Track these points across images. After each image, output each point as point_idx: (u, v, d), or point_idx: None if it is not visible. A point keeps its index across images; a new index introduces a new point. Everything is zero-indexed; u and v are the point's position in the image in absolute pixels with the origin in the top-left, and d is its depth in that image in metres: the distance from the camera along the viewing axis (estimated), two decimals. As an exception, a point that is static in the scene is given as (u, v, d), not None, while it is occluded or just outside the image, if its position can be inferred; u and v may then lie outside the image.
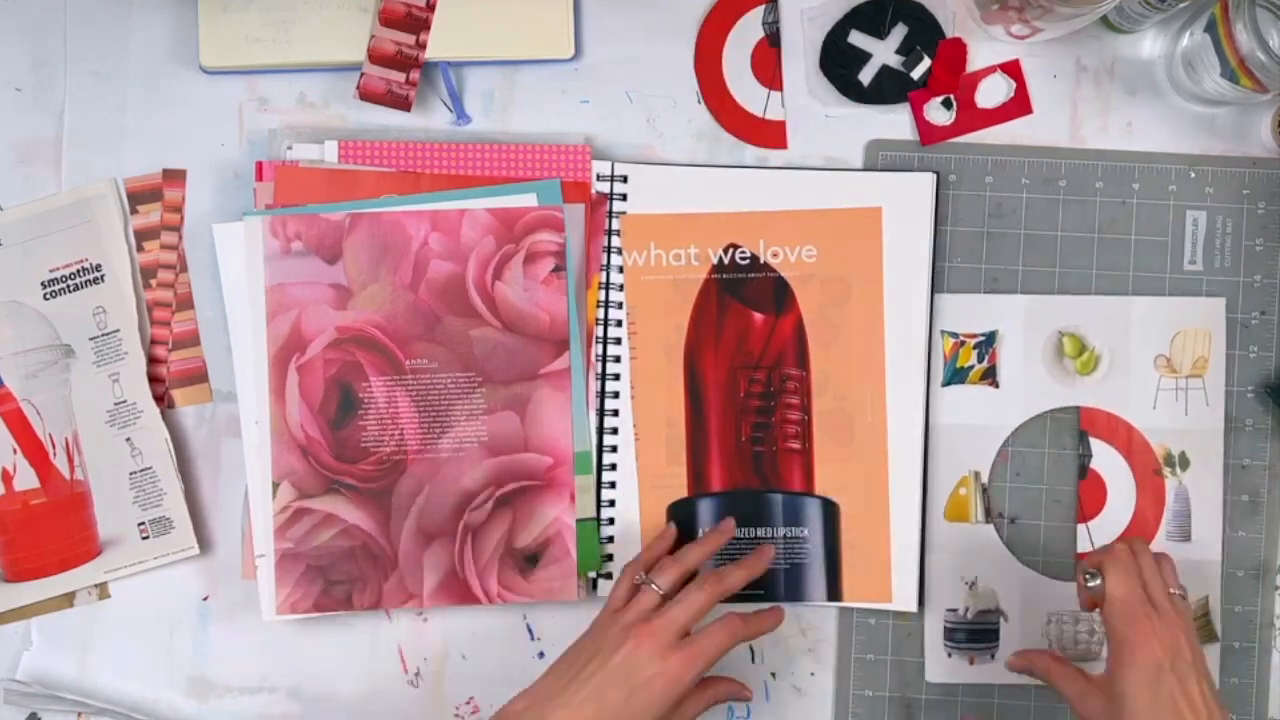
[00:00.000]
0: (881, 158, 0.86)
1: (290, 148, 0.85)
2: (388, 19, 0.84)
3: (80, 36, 0.86)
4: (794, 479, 0.84)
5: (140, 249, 0.86)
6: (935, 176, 0.85)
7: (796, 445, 0.83)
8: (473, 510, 0.83)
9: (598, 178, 0.85)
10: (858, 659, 0.85)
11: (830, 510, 0.83)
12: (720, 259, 0.84)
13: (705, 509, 0.84)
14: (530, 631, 0.86)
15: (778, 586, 0.84)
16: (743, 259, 0.84)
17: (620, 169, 0.85)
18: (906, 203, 0.85)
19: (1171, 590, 0.73)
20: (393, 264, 0.83)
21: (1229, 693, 0.85)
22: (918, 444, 0.84)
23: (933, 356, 0.85)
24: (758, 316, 0.83)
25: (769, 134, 0.86)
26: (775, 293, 0.84)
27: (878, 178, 0.86)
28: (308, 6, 0.85)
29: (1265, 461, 0.86)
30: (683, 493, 0.84)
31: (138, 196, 0.86)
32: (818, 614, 0.85)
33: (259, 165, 0.83)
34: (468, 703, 0.86)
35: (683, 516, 0.84)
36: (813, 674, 0.86)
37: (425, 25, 0.85)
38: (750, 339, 0.83)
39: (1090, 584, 0.74)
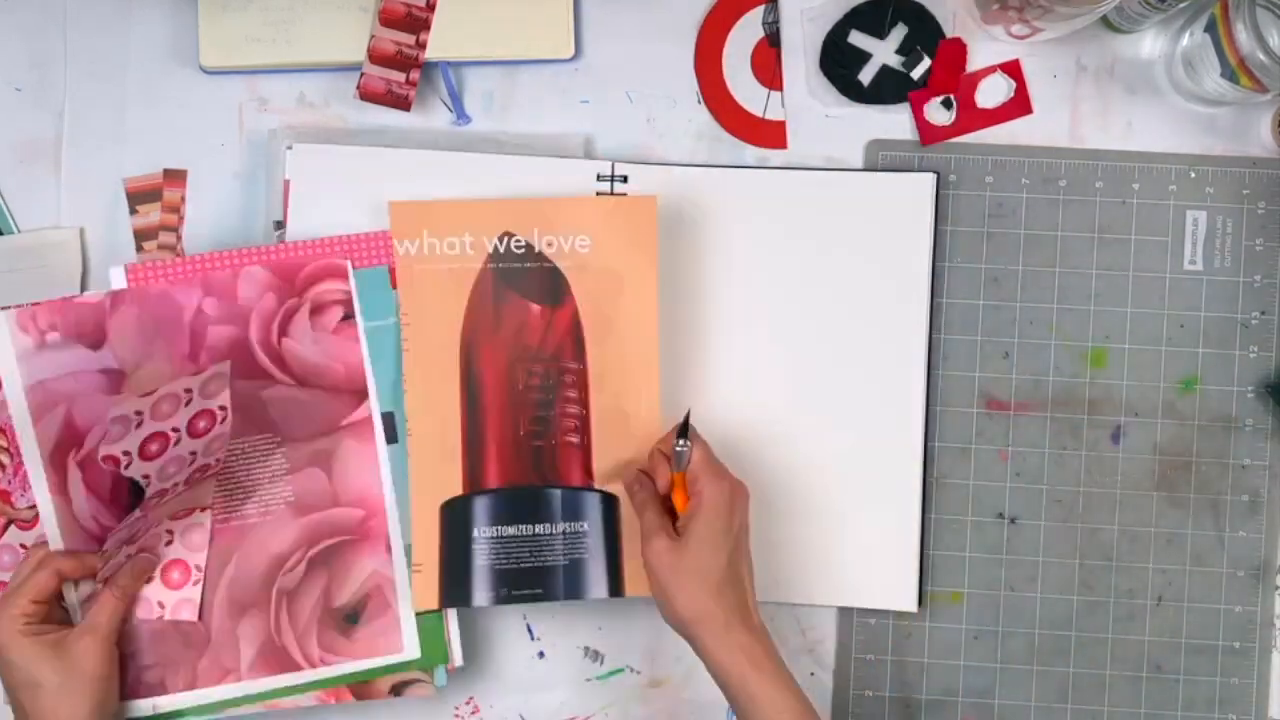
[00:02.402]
0: (881, 158, 0.86)
1: (290, 148, 0.85)
2: (388, 19, 0.84)
3: (80, 36, 0.86)
4: (573, 474, 0.81)
5: (140, 249, 0.86)
6: (935, 176, 0.85)
7: (575, 439, 0.81)
8: (285, 574, 0.80)
9: (598, 177, 0.85)
10: (858, 659, 0.85)
11: (609, 504, 0.82)
12: (496, 248, 0.81)
13: (480, 507, 0.81)
14: (530, 631, 0.86)
15: (557, 582, 0.81)
16: (518, 248, 0.81)
17: (620, 169, 0.85)
18: (906, 203, 0.85)
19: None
20: (167, 338, 0.80)
21: (1229, 693, 0.85)
22: (917, 462, 0.84)
23: (933, 358, 0.85)
24: (535, 308, 0.81)
25: (769, 134, 0.86)
26: (551, 283, 0.81)
27: (878, 178, 0.86)
28: (308, 6, 0.85)
29: (1265, 461, 0.86)
30: (458, 490, 0.81)
31: (137, 196, 0.86)
32: (818, 614, 0.85)
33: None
34: (467, 703, 0.86)
35: (457, 515, 0.81)
36: (813, 674, 0.86)
37: (425, 25, 0.85)
38: (528, 331, 0.81)
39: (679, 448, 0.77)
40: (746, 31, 0.87)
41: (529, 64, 0.86)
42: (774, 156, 0.87)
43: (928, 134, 0.86)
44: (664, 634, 0.85)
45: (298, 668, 0.80)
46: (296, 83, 0.87)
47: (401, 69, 0.84)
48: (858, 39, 0.86)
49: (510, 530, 0.81)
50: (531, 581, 0.80)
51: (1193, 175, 0.86)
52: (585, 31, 0.87)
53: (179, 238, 0.86)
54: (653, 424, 0.81)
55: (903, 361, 0.85)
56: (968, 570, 0.85)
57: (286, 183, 0.85)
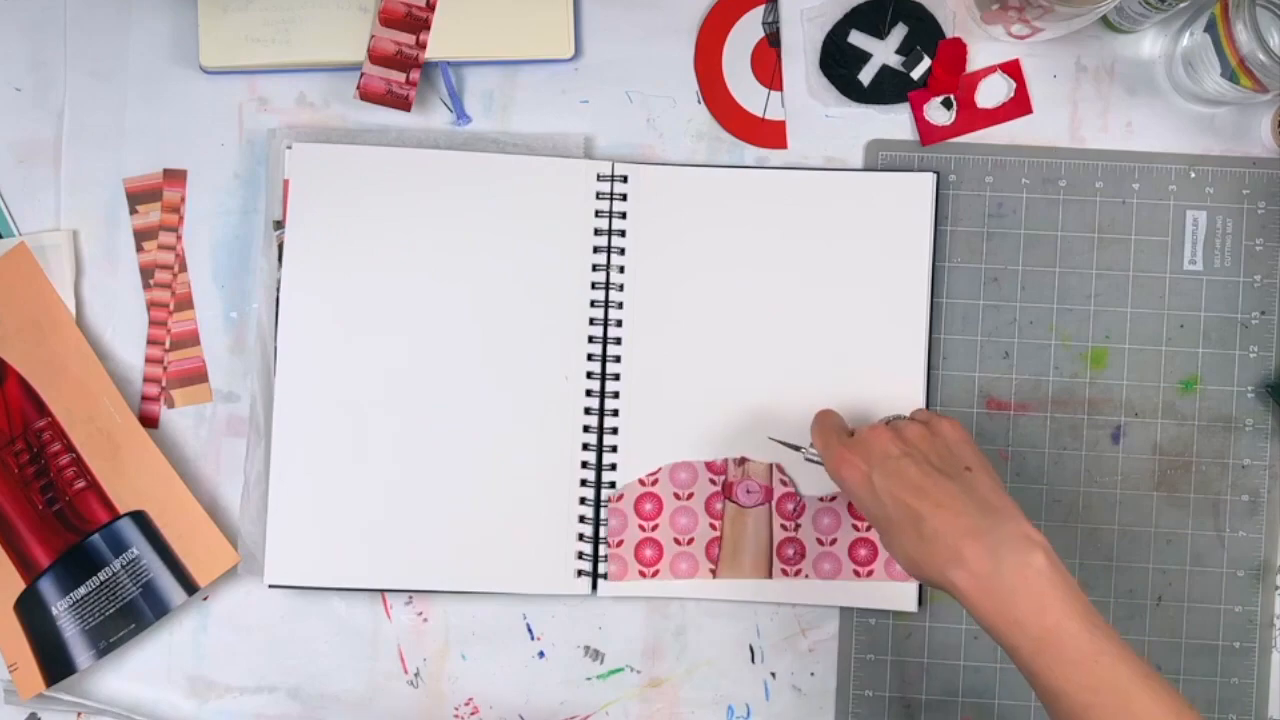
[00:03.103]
0: (881, 158, 0.86)
1: (290, 147, 0.85)
2: (388, 19, 0.84)
3: (80, 36, 0.87)
4: (98, 513, 0.84)
5: (140, 249, 0.86)
6: (935, 176, 0.85)
7: (82, 484, 0.84)
8: None
9: (598, 177, 0.85)
10: (858, 659, 0.85)
11: (142, 520, 0.84)
12: None
13: (47, 588, 0.83)
14: (530, 631, 0.86)
15: (142, 610, 0.83)
16: None
17: (620, 169, 0.85)
18: (906, 203, 0.85)
19: (876, 421, 0.76)
20: None
21: (1229, 692, 0.85)
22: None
23: (933, 358, 0.85)
24: None
25: (769, 134, 0.86)
26: None
27: (878, 178, 0.86)
28: (308, 6, 0.85)
29: (1265, 461, 0.86)
30: (21, 586, 0.83)
31: (137, 196, 0.86)
32: (818, 614, 0.85)
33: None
34: (467, 703, 0.86)
35: (32, 606, 0.83)
36: (813, 674, 0.86)
37: (425, 25, 0.85)
38: None
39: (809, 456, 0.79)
40: (746, 31, 0.87)
41: (529, 64, 0.86)
42: (774, 156, 0.87)
43: (928, 134, 0.86)
44: (664, 634, 0.85)
45: None
46: (296, 83, 0.87)
47: (401, 69, 0.84)
48: (858, 39, 0.86)
49: (82, 591, 0.83)
50: (120, 623, 0.83)
51: (1193, 175, 0.86)
52: (585, 31, 0.87)
53: (179, 238, 0.86)
54: (131, 426, 0.83)
55: (903, 361, 0.85)
56: (968, 570, 0.85)
57: (286, 183, 0.85)
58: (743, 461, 0.84)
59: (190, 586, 0.84)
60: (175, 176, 0.86)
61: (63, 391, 0.84)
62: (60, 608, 0.83)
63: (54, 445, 0.84)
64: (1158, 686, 0.65)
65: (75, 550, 0.84)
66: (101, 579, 0.83)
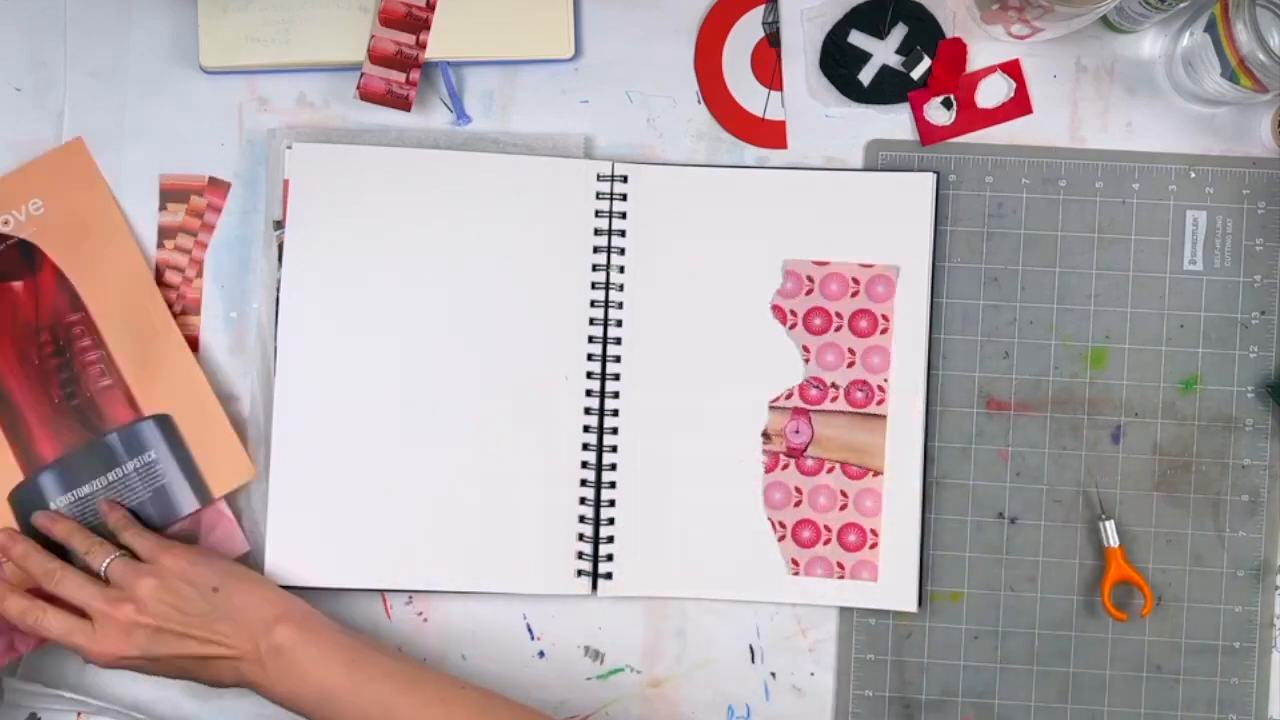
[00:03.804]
0: (881, 158, 0.86)
1: (290, 147, 0.85)
2: (388, 19, 0.84)
3: (80, 36, 0.87)
4: (120, 413, 0.84)
5: (159, 246, 0.86)
6: (935, 176, 0.85)
7: (108, 382, 0.83)
8: None
9: (598, 177, 0.85)
10: (858, 659, 0.85)
11: (165, 424, 0.84)
12: None
13: (47, 482, 0.83)
14: (530, 631, 0.86)
15: (149, 514, 0.83)
16: None
17: (620, 169, 0.85)
18: (906, 203, 0.85)
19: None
20: None
21: (1229, 692, 0.85)
22: (917, 462, 0.84)
23: (933, 358, 0.85)
24: (16, 285, 0.83)
25: (769, 134, 0.86)
26: (22, 256, 0.84)
27: (878, 178, 0.86)
28: (308, 6, 0.85)
29: (1265, 461, 0.86)
30: (19, 478, 0.83)
31: (169, 194, 0.86)
32: (818, 614, 0.85)
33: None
34: (468, 703, 0.86)
35: (25, 499, 0.83)
36: (813, 674, 0.86)
37: (425, 25, 0.85)
38: (20, 308, 0.83)
39: None
40: (746, 31, 0.87)
41: (529, 64, 0.86)
42: (774, 156, 0.87)
43: (928, 134, 0.86)
44: (664, 634, 0.85)
45: None
46: (296, 83, 0.87)
47: (401, 69, 0.84)
48: (858, 39, 0.86)
49: (86, 489, 0.83)
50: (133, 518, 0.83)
51: (1193, 175, 0.86)
52: (585, 31, 0.87)
53: (196, 243, 0.86)
54: (161, 318, 0.84)
55: (903, 362, 0.85)
56: (968, 570, 0.85)
57: (286, 183, 0.85)
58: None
59: (205, 496, 0.84)
60: (218, 186, 0.86)
61: (101, 289, 0.84)
62: (60, 504, 0.83)
63: (83, 341, 0.83)
64: (424, 689, 0.75)
65: (88, 447, 0.83)
66: (111, 479, 0.83)
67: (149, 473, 0.83)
